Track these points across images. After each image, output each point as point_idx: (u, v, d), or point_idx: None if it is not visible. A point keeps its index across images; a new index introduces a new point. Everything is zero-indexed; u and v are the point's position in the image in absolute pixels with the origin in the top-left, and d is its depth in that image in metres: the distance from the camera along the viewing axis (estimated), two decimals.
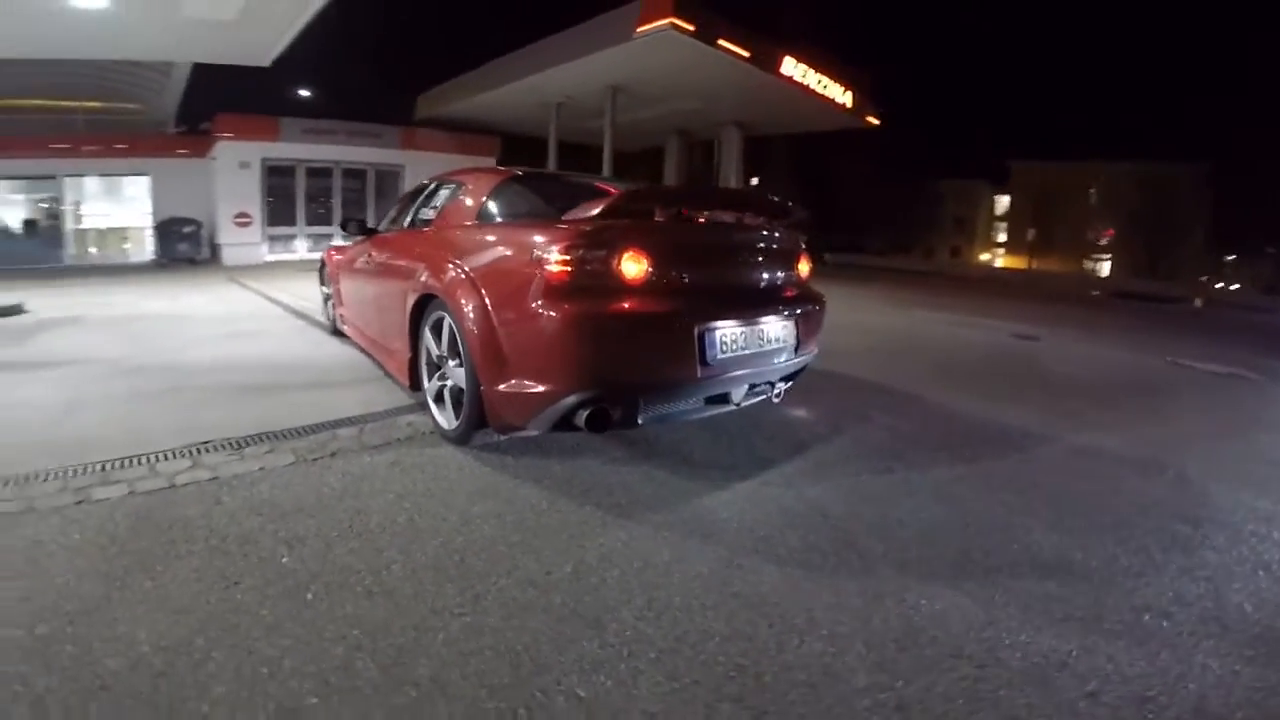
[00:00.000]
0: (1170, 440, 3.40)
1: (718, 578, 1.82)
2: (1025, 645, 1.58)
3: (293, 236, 15.66)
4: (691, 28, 10.83)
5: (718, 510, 2.26)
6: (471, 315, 2.50)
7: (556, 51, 12.94)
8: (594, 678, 1.39)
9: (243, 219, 14.77)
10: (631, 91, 14.12)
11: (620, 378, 2.21)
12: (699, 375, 2.30)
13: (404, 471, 2.58)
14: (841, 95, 14.86)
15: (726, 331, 2.40)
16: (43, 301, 7.78)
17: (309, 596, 1.71)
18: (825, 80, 14.16)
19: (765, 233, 2.81)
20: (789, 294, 2.83)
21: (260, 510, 2.24)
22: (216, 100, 14.82)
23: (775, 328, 2.61)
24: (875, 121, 16.74)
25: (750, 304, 2.56)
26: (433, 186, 3.85)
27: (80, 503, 2.31)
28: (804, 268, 2.99)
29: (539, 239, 2.30)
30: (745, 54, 11.94)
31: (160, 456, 2.66)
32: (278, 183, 15.10)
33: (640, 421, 2.30)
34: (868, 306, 9.54)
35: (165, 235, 14.59)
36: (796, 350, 2.73)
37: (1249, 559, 2.09)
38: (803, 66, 13.39)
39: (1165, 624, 1.70)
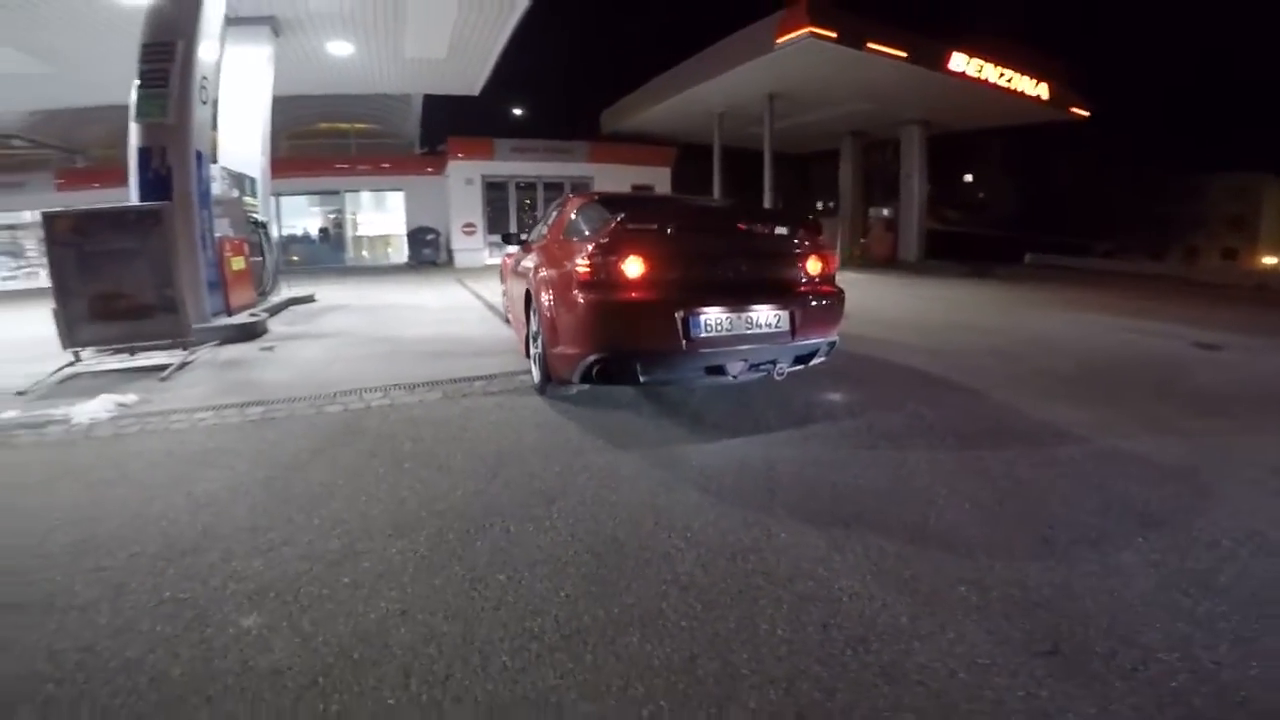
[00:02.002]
0: (1251, 454, 3.05)
1: (650, 492, 2.51)
2: (824, 579, 1.85)
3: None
4: (832, 34, 10.77)
5: (690, 455, 2.91)
6: (545, 302, 3.45)
7: (708, 65, 13.62)
8: (523, 525, 2.24)
9: (468, 228, 17.81)
10: (790, 97, 14.26)
11: (620, 346, 3.00)
12: (684, 348, 2.97)
13: (501, 408, 3.71)
14: (1033, 88, 13.41)
15: (711, 315, 3.02)
16: (326, 292, 10.63)
17: (406, 466, 2.80)
18: (1009, 73, 12.92)
19: (763, 236, 3.35)
20: (788, 288, 3.30)
21: (408, 422, 3.50)
22: (447, 124, 18.05)
23: (766, 315, 3.13)
24: (1083, 113, 14.74)
25: (739, 295, 3.12)
26: (554, 206, 4.90)
27: (316, 413, 3.75)
28: (815, 266, 3.42)
29: (576, 250, 3.16)
30: (902, 54, 11.49)
31: (368, 391, 4.15)
32: (495, 195, 17.95)
33: (641, 380, 3.04)
34: (1030, 310, 8.80)
35: (414, 241, 18.18)
36: (793, 336, 3.20)
37: (1167, 571, 1.95)
38: (977, 61, 12.41)
39: (972, 598, 1.77)
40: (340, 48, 10.29)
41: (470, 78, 12.49)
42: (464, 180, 17.45)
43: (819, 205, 27.01)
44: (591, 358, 3.01)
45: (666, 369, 3.09)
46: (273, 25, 8.96)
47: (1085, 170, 36.01)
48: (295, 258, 17.69)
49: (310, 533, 2.20)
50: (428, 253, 18.06)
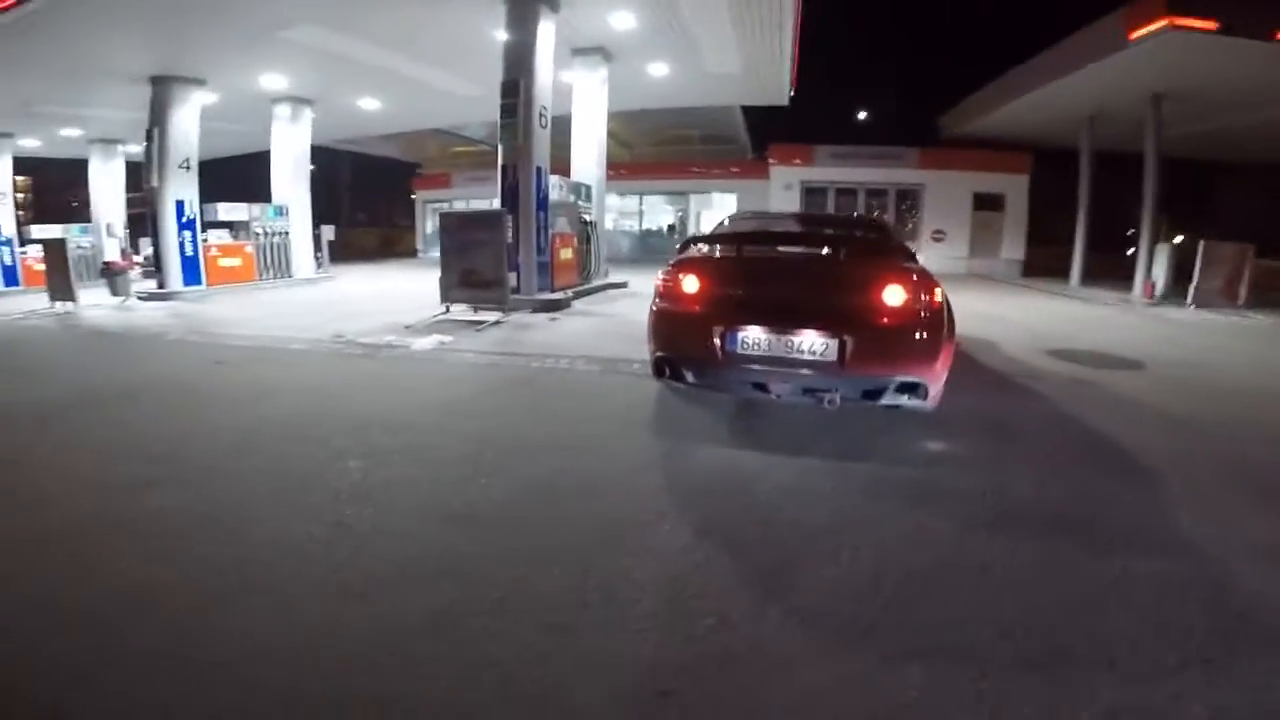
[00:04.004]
0: None
1: (633, 469, 3.05)
2: (625, 556, 2.22)
3: None
4: (1208, 25, 7.71)
5: (705, 455, 3.27)
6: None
7: (1058, 64, 11.13)
8: (550, 456, 3.14)
9: None
10: (1189, 98, 10.66)
11: (670, 350, 3.48)
12: (720, 360, 3.27)
13: (626, 386, 4.62)
14: None
15: (749, 334, 3.22)
16: (639, 281, 12.63)
17: (538, 408, 4.09)
18: None
19: (824, 260, 3.32)
20: (843, 315, 3.19)
21: (568, 383, 4.79)
22: (778, 131, 18.75)
23: (810, 341, 3.15)
24: None
25: (783, 317, 3.21)
26: None
27: (525, 365, 5.29)
28: (894, 295, 3.19)
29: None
30: None
31: (565, 358, 5.52)
32: (814, 200, 18.15)
33: (690, 381, 3.46)
34: None
35: None
36: (843, 367, 3.14)
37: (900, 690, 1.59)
38: None
39: (699, 632, 1.81)
40: (658, 68, 11.89)
41: (772, 89, 13.03)
42: (783, 185, 18.13)
43: None
44: (655, 355, 3.56)
45: (709, 377, 3.43)
46: (603, 54, 10.85)
47: None
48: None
49: (457, 429, 3.59)
50: None
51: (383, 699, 1.55)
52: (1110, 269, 14.35)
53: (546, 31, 8.47)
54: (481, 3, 8.26)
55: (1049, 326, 8.35)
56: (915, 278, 3.27)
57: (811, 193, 18.22)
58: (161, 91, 10.56)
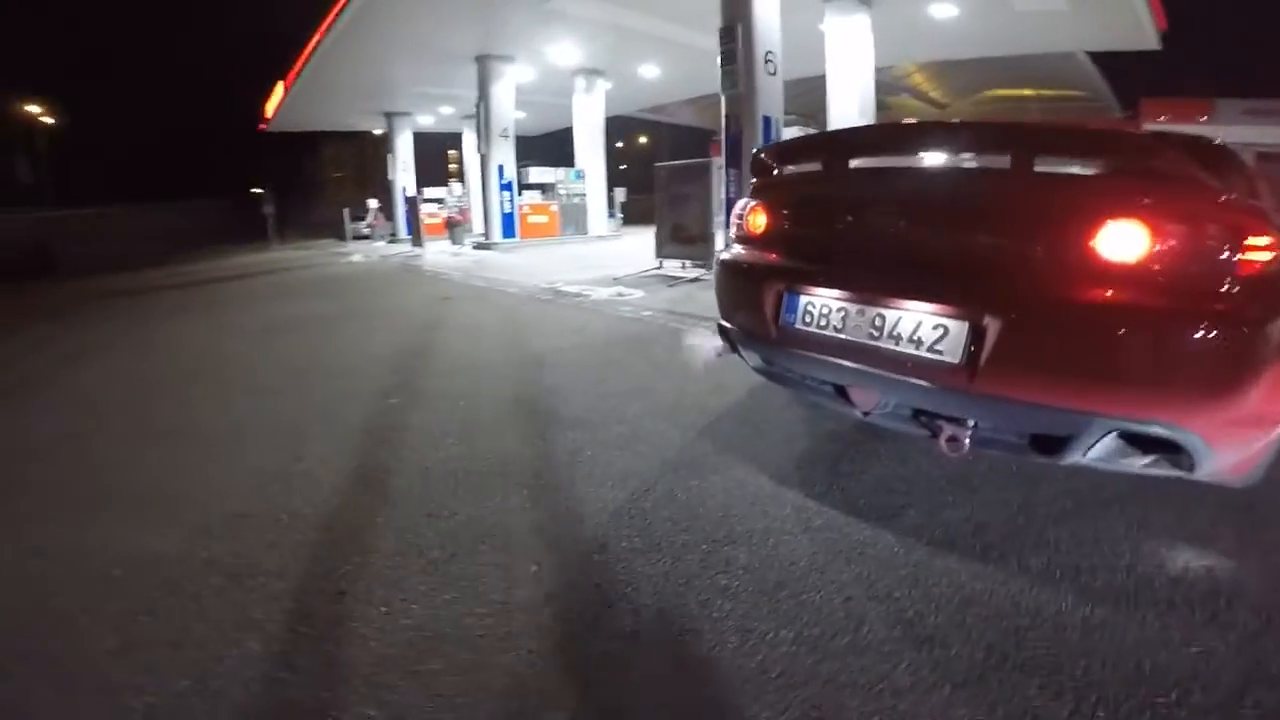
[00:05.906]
0: None
1: (647, 466, 2.20)
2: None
3: None
4: None
5: (709, 477, 2.16)
6: None
7: None
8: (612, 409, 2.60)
9: None
10: None
11: (727, 316, 2.26)
12: (773, 336, 1.99)
13: (739, 361, 3.65)
14: None
15: (816, 300, 1.85)
16: None
17: (628, 365, 3.54)
18: None
19: (984, 180, 1.74)
20: (997, 275, 1.57)
21: (680, 340, 4.02)
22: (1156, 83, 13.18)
23: (918, 321, 1.64)
24: None
25: (874, 276, 1.78)
26: None
27: (665, 323, 4.61)
28: (1122, 239, 1.42)
29: None
30: None
31: (700, 322, 4.60)
32: None
33: (750, 364, 2.24)
34: None
35: None
36: (972, 378, 1.56)
37: None
38: None
39: None
40: (942, 9, 9.09)
41: (1128, 30, 8.80)
42: None
43: None
44: (720, 324, 2.41)
45: (766, 360, 2.13)
46: None
47: None
48: None
49: (509, 382, 3.32)
50: None
51: None
52: None
53: None
54: None
55: None
56: (1197, 210, 1.45)
57: None
58: (483, 69, 12.23)
